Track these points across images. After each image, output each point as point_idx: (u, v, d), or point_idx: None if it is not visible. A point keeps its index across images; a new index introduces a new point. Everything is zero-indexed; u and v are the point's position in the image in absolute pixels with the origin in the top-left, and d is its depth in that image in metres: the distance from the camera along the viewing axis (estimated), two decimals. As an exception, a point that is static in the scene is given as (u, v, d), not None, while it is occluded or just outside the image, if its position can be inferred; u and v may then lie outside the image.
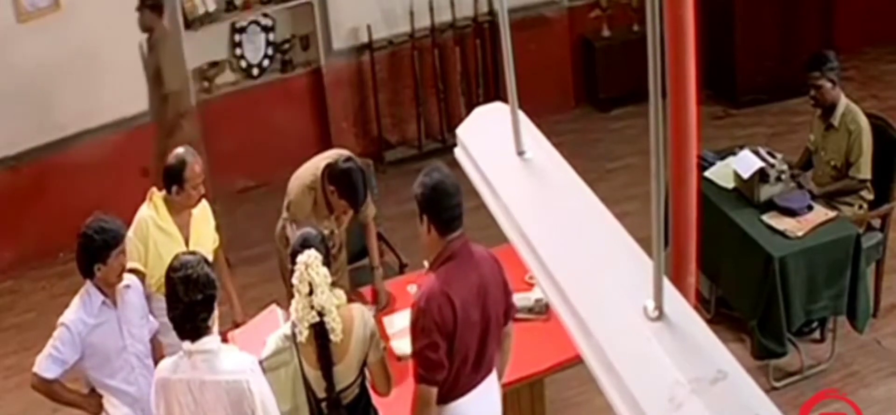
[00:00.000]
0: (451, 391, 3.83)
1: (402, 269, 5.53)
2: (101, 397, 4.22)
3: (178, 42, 6.19)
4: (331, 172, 4.71)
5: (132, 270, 4.48)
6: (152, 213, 4.57)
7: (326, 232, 4.69)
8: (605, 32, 8.05)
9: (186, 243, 4.59)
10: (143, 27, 6.14)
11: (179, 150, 4.61)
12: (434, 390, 3.73)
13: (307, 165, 4.90)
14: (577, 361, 1.42)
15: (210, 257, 4.49)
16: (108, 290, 4.12)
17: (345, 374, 3.76)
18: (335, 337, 3.65)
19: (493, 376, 4.00)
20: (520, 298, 4.35)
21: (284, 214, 4.88)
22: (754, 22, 7.73)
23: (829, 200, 5.42)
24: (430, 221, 3.68)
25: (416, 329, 3.68)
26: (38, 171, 6.85)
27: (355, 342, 3.73)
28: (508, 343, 4.06)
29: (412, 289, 4.87)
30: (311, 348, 3.69)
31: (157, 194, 4.62)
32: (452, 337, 3.68)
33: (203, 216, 4.76)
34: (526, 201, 1.72)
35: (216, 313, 3.62)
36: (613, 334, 1.35)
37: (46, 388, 4.11)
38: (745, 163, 5.37)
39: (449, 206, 3.65)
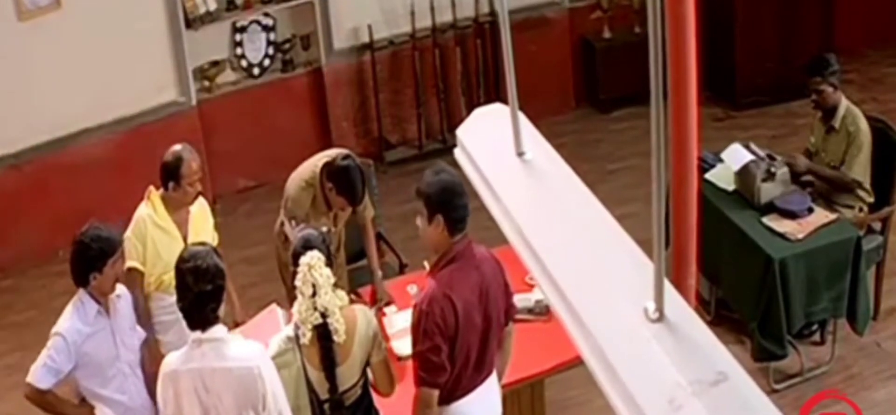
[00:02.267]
0: (452, 393, 3.83)
1: (402, 269, 5.53)
2: (92, 407, 4.21)
3: None
4: (329, 169, 4.72)
5: (131, 269, 4.49)
6: (150, 211, 4.58)
7: (324, 229, 4.70)
8: (606, 34, 8.05)
9: (184, 241, 4.59)
10: None
11: (176, 147, 4.62)
12: (435, 393, 3.72)
13: (306, 164, 4.90)
14: (578, 362, 1.42)
15: None
16: (102, 298, 4.11)
17: (348, 375, 3.76)
18: (338, 338, 3.65)
19: (494, 376, 4.00)
20: (520, 299, 4.35)
21: (282, 213, 4.89)
22: (755, 23, 7.73)
23: (830, 202, 5.41)
24: (444, 219, 3.67)
25: (418, 331, 3.67)
26: (38, 169, 6.85)
27: (358, 343, 3.73)
28: (509, 343, 4.06)
29: (412, 289, 4.87)
30: (315, 349, 3.68)
31: (154, 193, 4.62)
32: (454, 340, 3.68)
33: (202, 214, 4.77)
34: (526, 203, 1.72)
35: (224, 305, 3.63)
36: (613, 335, 1.35)
37: (40, 398, 4.08)
38: (736, 156, 5.38)
39: (461, 205, 3.65)
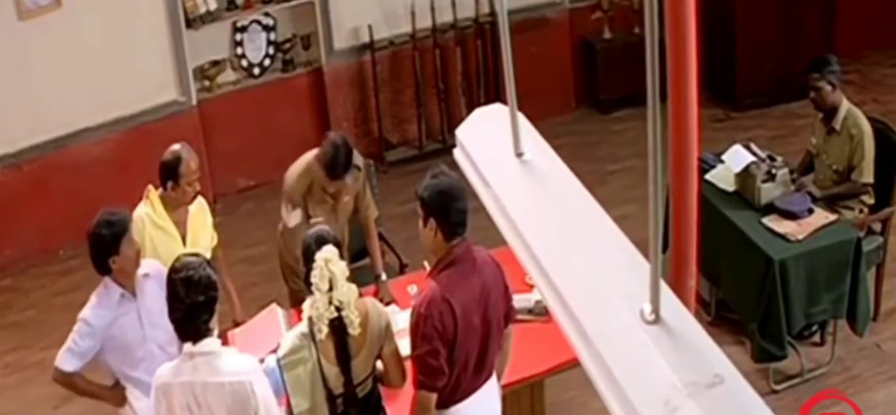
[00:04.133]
0: (452, 396, 3.83)
1: (403, 269, 5.53)
2: (124, 388, 4.26)
3: None
4: (320, 149, 4.77)
5: None
6: (148, 210, 4.58)
7: (320, 220, 4.73)
8: (606, 34, 8.04)
9: (183, 240, 4.60)
10: None
11: (175, 146, 4.63)
12: (434, 397, 3.72)
13: (307, 154, 4.95)
14: (577, 362, 1.42)
15: (208, 254, 4.50)
16: (126, 280, 4.15)
17: (361, 367, 3.77)
18: (353, 330, 3.66)
19: (494, 379, 4.00)
20: (519, 300, 4.34)
21: (283, 202, 4.91)
22: (755, 24, 7.72)
23: (831, 203, 5.42)
24: (438, 224, 3.66)
25: (417, 335, 3.67)
26: (38, 168, 6.86)
27: (371, 334, 3.75)
28: (508, 344, 4.06)
29: (413, 290, 4.86)
30: (331, 343, 3.69)
31: (153, 192, 4.63)
32: (453, 343, 3.67)
33: (200, 214, 4.77)
34: (524, 203, 1.71)
35: (217, 315, 3.62)
36: (610, 337, 1.35)
37: (67, 380, 4.16)
38: (737, 158, 5.39)
39: (458, 210, 3.63)
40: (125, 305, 4.14)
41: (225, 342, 3.93)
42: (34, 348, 5.90)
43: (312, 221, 4.81)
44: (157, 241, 4.54)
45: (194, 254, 3.79)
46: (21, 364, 5.94)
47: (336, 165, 4.68)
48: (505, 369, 4.12)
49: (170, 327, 4.28)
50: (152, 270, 4.27)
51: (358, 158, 5.01)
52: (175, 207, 4.63)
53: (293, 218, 4.84)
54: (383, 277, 5.04)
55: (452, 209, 3.62)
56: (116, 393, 4.28)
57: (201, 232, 4.74)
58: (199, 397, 3.52)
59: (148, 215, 4.57)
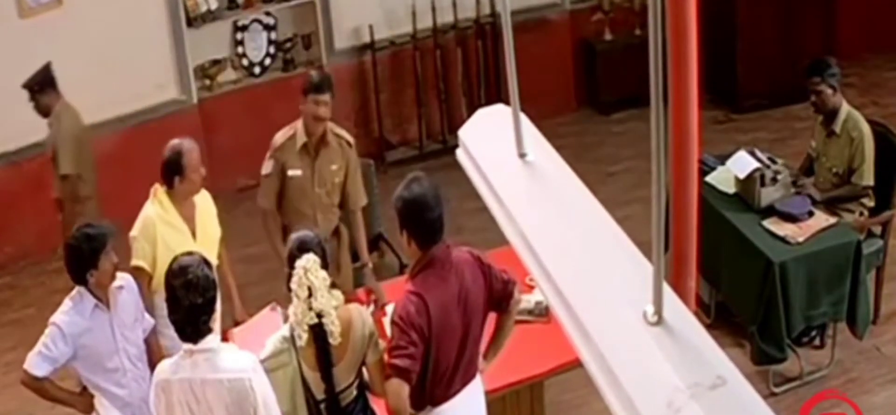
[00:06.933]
0: (435, 399, 3.81)
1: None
2: (92, 396, 4.23)
3: (78, 120, 5.95)
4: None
5: (138, 268, 4.47)
6: (158, 209, 4.57)
7: (296, 173, 4.92)
8: (607, 36, 8.05)
9: (194, 235, 4.59)
10: (43, 111, 5.89)
11: (173, 141, 4.61)
12: (406, 386, 3.61)
13: None
14: (577, 364, 1.42)
15: (216, 250, 4.51)
16: (101, 292, 4.12)
17: (344, 375, 3.75)
18: (333, 339, 3.64)
19: (477, 381, 3.97)
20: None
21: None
22: (756, 27, 7.73)
23: (831, 206, 5.42)
24: (410, 234, 3.68)
25: (393, 333, 3.66)
26: (38, 166, 6.84)
27: (354, 343, 3.73)
28: (510, 321, 4.00)
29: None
30: (311, 349, 3.68)
31: (160, 190, 4.61)
32: (428, 339, 3.64)
33: (207, 208, 4.78)
34: (527, 204, 1.72)
35: (217, 312, 3.62)
36: (613, 338, 1.35)
37: (36, 385, 4.13)
38: (742, 163, 5.38)
39: (430, 219, 3.64)
40: (98, 316, 4.11)
41: (225, 341, 3.93)
42: (33, 346, 5.89)
43: (289, 173, 4.86)
44: (169, 239, 4.51)
45: (189, 253, 3.78)
46: (20, 362, 5.90)
47: (320, 83, 5.05)
48: (505, 342, 4.05)
49: (140, 341, 4.29)
50: (126, 283, 4.26)
51: (346, 134, 5.22)
52: (185, 198, 4.62)
53: (266, 167, 5.06)
54: (369, 265, 5.03)
55: (423, 219, 3.64)
56: (84, 399, 4.26)
57: (210, 223, 4.76)
58: (199, 394, 3.52)
59: (158, 215, 4.55)
